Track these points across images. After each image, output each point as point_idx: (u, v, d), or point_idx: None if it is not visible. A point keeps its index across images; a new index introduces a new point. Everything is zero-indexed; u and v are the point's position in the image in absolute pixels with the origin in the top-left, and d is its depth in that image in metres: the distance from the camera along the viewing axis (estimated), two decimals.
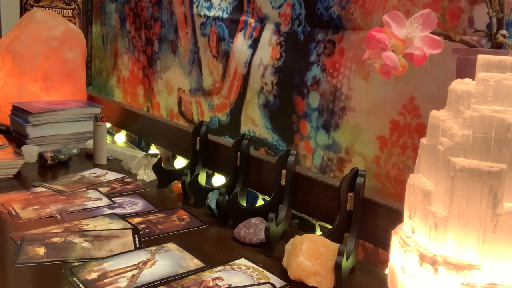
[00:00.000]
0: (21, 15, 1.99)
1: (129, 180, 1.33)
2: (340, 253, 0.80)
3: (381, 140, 0.98)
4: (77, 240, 0.95)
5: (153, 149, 1.65)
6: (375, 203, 0.89)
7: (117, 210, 1.11)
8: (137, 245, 0.94)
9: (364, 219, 0.90)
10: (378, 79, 0.97)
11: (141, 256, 0.89)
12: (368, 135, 1.00)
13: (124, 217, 1.07)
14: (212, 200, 1.11)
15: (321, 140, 1.10)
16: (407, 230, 0.63)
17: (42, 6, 2.01)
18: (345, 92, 1.04)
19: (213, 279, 0.82)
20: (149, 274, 0.83)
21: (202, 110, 1.48)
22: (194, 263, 0.88)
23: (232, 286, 0.80)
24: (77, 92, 1.79)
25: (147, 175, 1.33)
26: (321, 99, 1.09)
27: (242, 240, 0.97)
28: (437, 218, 0.57)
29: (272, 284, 0.82)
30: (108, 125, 1.65)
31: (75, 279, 0.81)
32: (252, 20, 1.27)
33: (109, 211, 1.10)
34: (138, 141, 1.78)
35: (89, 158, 1.51)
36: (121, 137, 1.78)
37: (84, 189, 1.23)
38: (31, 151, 1.44)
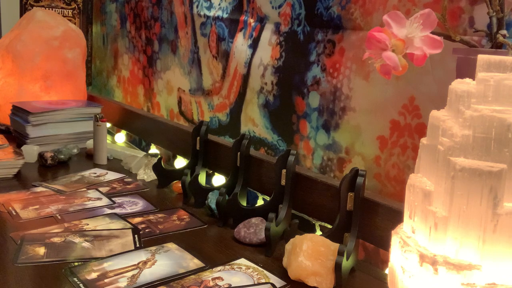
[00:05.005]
0: (21, 15, 1.99)
1: (129, 180, 1.33)
2: (340, 253, 0.80)
3: (381, 140, 0.98)
4: (77, 240, 0.95)
5: (153, 149, 1.65)
6: (375, 203, 0.89)
7: (117, 210, 1.11)
8: (137, 245, 0.94)
9: (364, 219, 0.90)
10: (378, 79, 0.97)
11: (141, 256, 0.89)
12: (368, 135, 1.00)
13: (124, 217, 1.07)
14: (212, 200, 1.10)
15: (321, 140, 1.10)
16: (407, 230, 0.63)
17: (42, 6, 2.01)
18: (345, 92, 1.04)
19: (213, 279, 0.82)
20: (149, 274, 0.83)
21: (202, 110, 1.48)
22: (194, 263, 0.88)
23: (232, 286, 0.80)
24: (77, 92, 1.79)
25: (147, 175, 1.33)
26: (321, 99, 1.09)
27: (242, 240, 0.97)
28: (437, 218, 0.57)
29: (272, 284, 0.81)
30: (108, 125, 1.65)
31: (75, 279, 0.81)
32: (252, 20, 1.27)
33: (109, 211, 1.10)
34: (138, 141, 1.78)
35: (89, 158, 1.51)
36: (121, 137, 1.78)
37: (84, 189, 1.23)
38: (31, 151, 1.44)
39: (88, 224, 1.02)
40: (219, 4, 1.37)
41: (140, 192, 1.24)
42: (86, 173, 1.37)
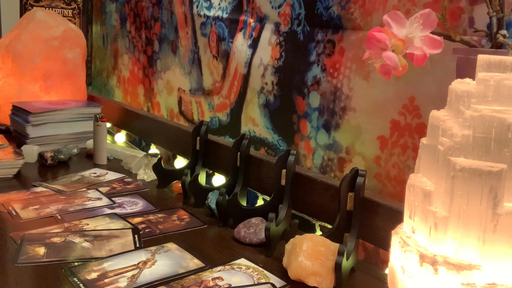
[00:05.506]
0: (21, 15, 1.99)
1: (129, 180, 1.33)
2: (340, 253, 0.80)
3: (381, 140, 0.98)
4: (77, 240, 0.95)
5: (153, 149, 1.65)
6: (375, 203, 0.89)
7: (117, 210, 1.11)
8: (137, 245, 0.94)
9: (364, 219, 0.89)
10: (379, 79, 0.97)
11: (141, 256, 0.89)
12: (368, 135, 1.00)
13: (124, 217, 1.07)
14: (212, 200, 1.10)
15: (322, 140, 1.10)
16: (407, 230, 0.63)
17: (42, 6, 2.01)
18: (346, 92, 1.04)
19: (213, 279, 0.82)
20: (149, 274, 0.83)
21: (202, 110, 1.48)
22: (194, 263, 0.88)
23: (232, 286, 0.80)
24: (77, 92, 1.79)
25: (147, 175, 1.33)
26: (322, 99, 1.09)
27: (242, 240, 0.97)
28: (437, 218, 0.57)
29: (272, 284, 0.81)
30: (108, 125, 1.65)
31: (75, 279, 0.81)
32: (251, 20, 1.27)
33: (109, 211, 1.10)
34: (138, 141, 1.78)
35: (89, 158, 1.51)
36: (121, 137, 1.78)
37: (84, 189, 1.23)
38: (31, 151, 1.44)
39: (88, 224, 1.02)
40: (219, 4, 1.37)
41: (140, 192, 1.24)
42: (86, 173, 1.37)
